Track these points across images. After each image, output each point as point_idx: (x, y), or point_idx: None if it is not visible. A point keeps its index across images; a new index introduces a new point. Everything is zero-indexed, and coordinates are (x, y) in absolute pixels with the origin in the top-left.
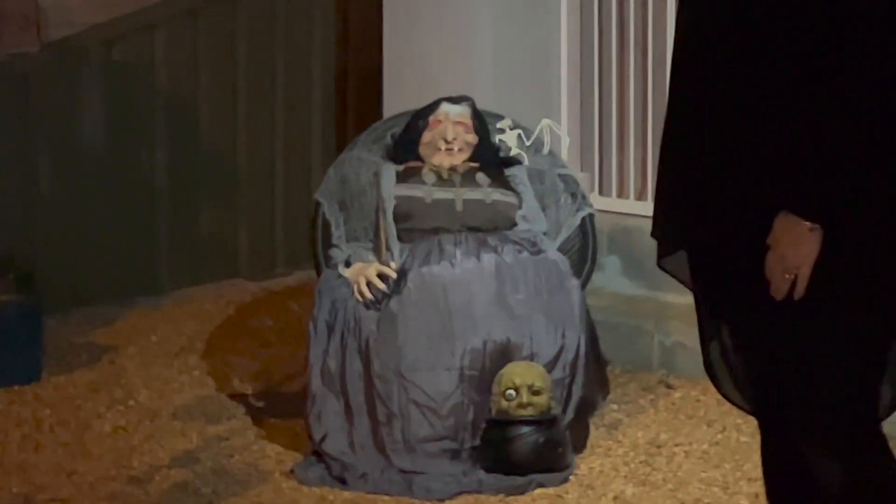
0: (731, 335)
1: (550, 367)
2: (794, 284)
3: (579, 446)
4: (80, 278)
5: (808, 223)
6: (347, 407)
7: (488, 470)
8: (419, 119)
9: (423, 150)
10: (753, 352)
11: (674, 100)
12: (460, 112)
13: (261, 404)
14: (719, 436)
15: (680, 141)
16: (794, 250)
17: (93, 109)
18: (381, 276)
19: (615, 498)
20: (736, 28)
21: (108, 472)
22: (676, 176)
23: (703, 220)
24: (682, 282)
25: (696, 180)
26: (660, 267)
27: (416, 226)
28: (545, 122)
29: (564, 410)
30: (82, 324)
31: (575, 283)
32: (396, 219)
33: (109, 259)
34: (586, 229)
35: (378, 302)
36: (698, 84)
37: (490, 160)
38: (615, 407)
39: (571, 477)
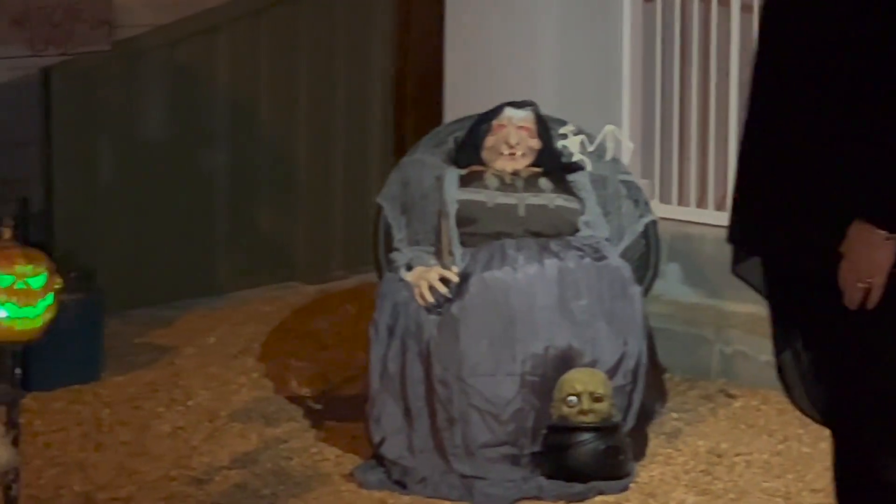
0: (805, 343)
1: (612, 373)
2: (867, 294)
3: (638, 454)
4: (139, 278)
5: (883, 232)
6: (407, 411)
7: (548, 476)
8: (482, 123)
9: (486, 155)
10: (827, 360)
11: (753, 109)
12: (524, 117)
13: (319, 407)
14: (780, 446)
15: (758, 148)
16: (868, 259)
17: (155, 109)
18: (443, 281)
19: None
20: (816, 40)
21: (168, 473)
22: (754, 183)
23: (778, 227)
24: (754, 288)
25: (773, 187)
26: (734, 273)
27: (478, 230)
28: (608, 128)
29: (625, 418)
30: (141, 324)
31: (637, 289)
32: (459, 223)
33: (169, 260)
34: (649, 236)
35: (439, 306)
36: (777, 94)
37: (553, 165)
38: (675, 415)
39: (632, 485)
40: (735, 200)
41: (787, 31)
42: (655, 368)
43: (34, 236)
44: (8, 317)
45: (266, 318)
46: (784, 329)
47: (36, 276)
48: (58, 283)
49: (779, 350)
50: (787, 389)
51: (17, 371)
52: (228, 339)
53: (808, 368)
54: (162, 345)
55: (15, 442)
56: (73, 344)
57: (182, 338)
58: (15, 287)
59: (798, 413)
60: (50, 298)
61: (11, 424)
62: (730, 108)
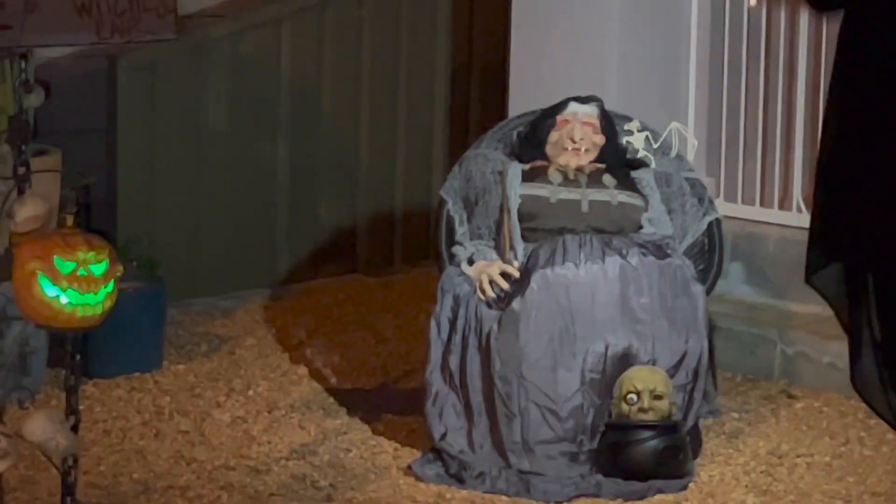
0: (886, 351)
1: (672, 372)
2: None
3: (695, 452)
4: (200, 268)
5: None
6: (467, 405)
7: (606, 474)
8: (546, 118)
9: (549, 150)
10: None
11: (834, 115)
12: (588, 112)
13: (378, 399)
14: (842, 448)
15: (845, 155)
16: None
17: (218, 100)
18: (504, 275)
19: None
20: None
21: (226, 462)
22: (841, 188)
23: (867, 232)
24: (827, 300)
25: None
26: (808, 283)
27: (540, 225)
28: (673, 125)
29: (685, 417)
30: (202, 313)
31: (700, 288)
32: (521, 218)
33: (230, 250)
34: (713, 234)
35: (500, 301)
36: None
37: (617, 161)
38: (735, 415)
39: (691, 484)
40: (818, 206)
41: (871, 37)
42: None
43: (97, 224)
44: (69, 303)
45: (326, 310)
46: (864, 336)
47: (98, 263)
48: (119, 270)
49: (855, 358)
50: (865, 396)
51: (77, 358)
52: (288, 330)
53: (890, 376)
54: (222, 335)
55: (75, 428)
56: (135, 332)
57: (242, 328)
58: (77, 274)
59: (860, 415)
60: (111, 286)
61: (72, 411)
62: (796, 105)
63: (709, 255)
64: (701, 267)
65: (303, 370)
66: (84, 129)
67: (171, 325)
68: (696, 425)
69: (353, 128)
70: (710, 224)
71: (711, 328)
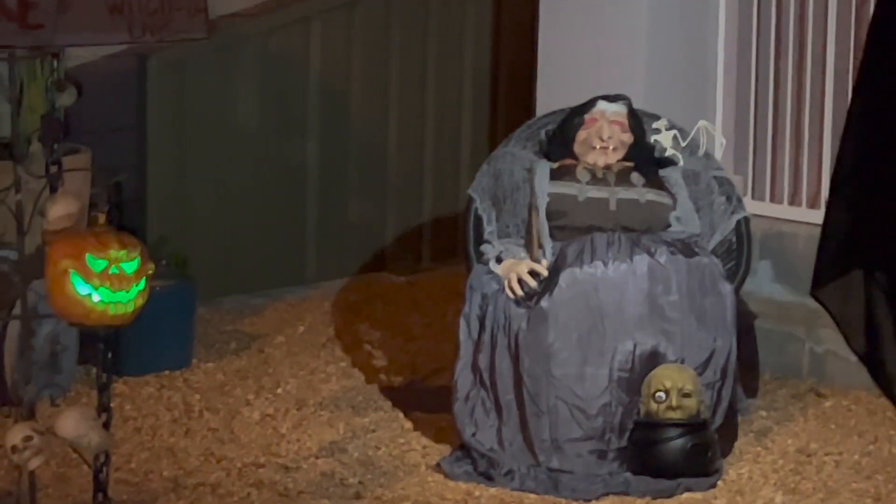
0: None
1: (701, 370)
2: None
3: (725, 451)
4: (230, 266)
5: None
6: (496, 403)
7: (635, 472)
8: (575, 116)
9: (577, 148)
10: None
11: (859, 119)
12: (616, 111)
13: (407, 397)
14: (871, 447)
15: (867, 158)
16: None
17: (248, 98)
18: (533, 274)
19: None
20: None
21: (256, 459)
22: (861, 190)
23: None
24: (831, 313)
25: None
26: (813, 295)
27: (568, 224)
28: (701, 123)
29: (714, 415)
30: (231, 312)
31: (728, 287)
32: (549, 216)
33: (259, 248)
34: (741, 233)
35: (529, 299)
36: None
37: (645, 160)
38: (764, 414)
39: (719, 483)
40: (836, 215)
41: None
42: (742, 366)
43: (128, 222)
44: (101, 301)
45: (355, 308)
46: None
47: (129, 261)
48: (151, 268)
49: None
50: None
51: (109, 356)
52: (317, 329)
53: None
54: (252, 333)
55: (106, 426)
56: (165, 330)
57: (272, 326)
58: (109, 272)
59: (889, 414)
60: (143, 284)
61: (103, 409)
62: (825, 103)
63: (737, 253)
64: (729, 265)
65: (332, 368)
66: (114, 128)
67: (201, 323)
68: (734, 421)
69: (382, 126)
70: (738, 222)
71: (751, 320)
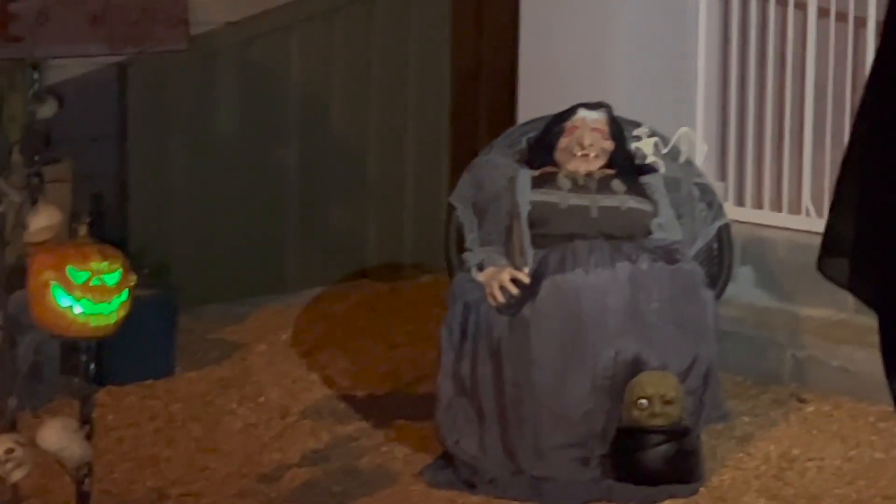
0: None
1: (683, 377)
2: None
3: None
4: (211, 274)
5: None
6: (479, 411)
7: (618, 479)
8: (556, 124)
9: (559, 156)
10: None
11: (870, 109)
12: (597, 118)
13: (390, 405)
14: (852, 452)
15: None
16: None
17: (227, 106)
18: (515, 281)
19: None
20: None
21: (239, 469)
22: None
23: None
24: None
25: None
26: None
27: (550, 231)
28: (682, 130)
29: (696, 422)
30: (213, 320)
31: (709, 293)
32: (531, 224)
33: (240, 256)
34: (722, 239)
35: (511, 306)
36: None
37: (626, 167)
38: (746, 419)
39: (702, 489)
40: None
41: None
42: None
43: (108, 232)
44: (83, 313)
45: (337, 316)
46: None
47: (111, 272)
48: (132, 280)
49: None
50: None
51: (92, 367)
52: (299, 337)
53: None
54: (233, 341)
55: (88, 437)
56: (147, 339)
57: (253, 334)
58: (90, 284)
59: (871, 419)
60: (124, 295)
61: (85, 420)
62: (805, 110)
63: (718, 259)
64: (710, 272)
65: (314, 376)
66: (94, 137)
67: (183, 332)
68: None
69: (363, 133)
70: (719, 229)
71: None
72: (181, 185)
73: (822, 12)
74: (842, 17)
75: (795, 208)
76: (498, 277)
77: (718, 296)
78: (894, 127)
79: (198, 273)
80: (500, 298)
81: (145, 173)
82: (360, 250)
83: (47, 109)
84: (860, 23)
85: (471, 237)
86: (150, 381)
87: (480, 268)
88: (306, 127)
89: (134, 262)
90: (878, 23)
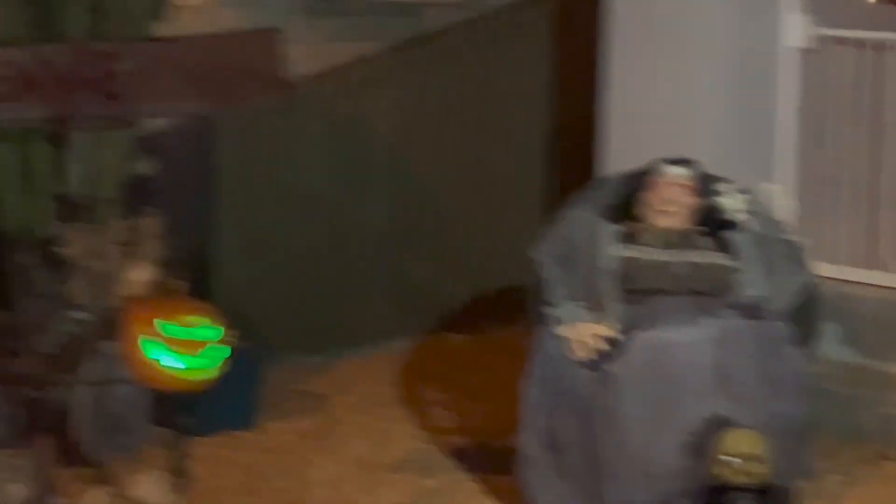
0: None
1: (770, 435)
2: None
3: None
4: (296, 326)
5: None
6: (563, 466)
7: None
8: (640, 179)
9: (643, 211)
10: None
11: None
12: (682, 174)
13: (475, 459)
14: None
15: None
16: None
17: (314, 159)
18: (600, 337)
19: None
20: None
21: None
22: None
23: None
24: None
25: None
26: None
27: (635, 287)
28: (769, 186)
29: (784, 480)
30: (298, 371)
31: (796, 350)
32: (616, 279)
33: (325, 308)
34: (808, 296)
35: (595, 362)
36: None
37: (711, 223)
38: (832, 477)
39: None
40: None
41: None
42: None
43: (196, 284)
44: (173, 366)
45: (420, 369)
46: None
47: (201, 327)
48: (221, 333)
49: None
50: None
51: (183, 420)
52: (383, 389)
53: None
54: (318, 392)
55: (180, 489)
56: (233, 391)
57: (337, 386)
58: (181, 337)
59: None
60: (214, 349)
61: (178, 472)
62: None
63: (804, 316)
64: (797, 328)
65: (397, 428)
66: (184, 190)
67: (269, 384)
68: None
69: (448, 188)
70: (805, 285)
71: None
72: (268, 237)
73: None
74: None
75: (883, 265)
76: (582, 332)
77: (805, 352)
78: None
79: (284, 324)
80: (587, 354)
81: (230, 224)
82: (444, 304)
83: (145, 165)
84: None
85: (555, 291)
86: (235, 432)
87: (565, 322)
88: (391, 180)
89: (224, 316)
90: None
